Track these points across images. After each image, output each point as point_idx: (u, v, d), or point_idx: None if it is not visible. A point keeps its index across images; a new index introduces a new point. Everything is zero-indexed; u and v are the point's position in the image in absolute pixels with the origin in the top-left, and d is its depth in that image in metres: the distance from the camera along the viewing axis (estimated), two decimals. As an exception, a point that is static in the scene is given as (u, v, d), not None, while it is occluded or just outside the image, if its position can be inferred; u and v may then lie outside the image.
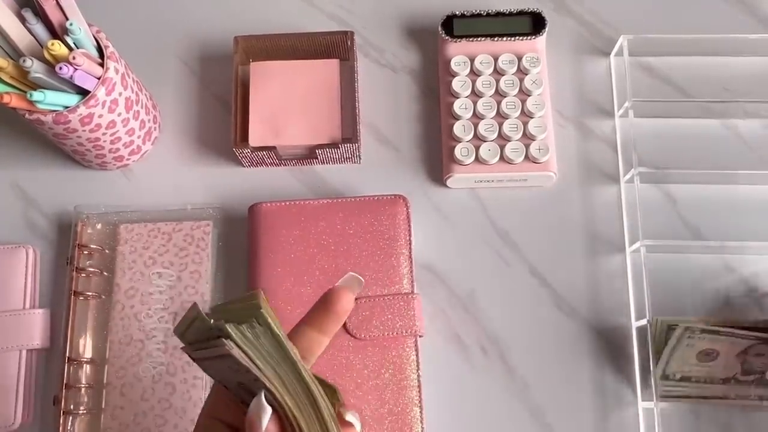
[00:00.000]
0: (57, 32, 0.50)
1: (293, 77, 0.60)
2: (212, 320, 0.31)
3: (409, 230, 0.56)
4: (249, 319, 0.32)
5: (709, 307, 0.56)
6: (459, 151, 0.58)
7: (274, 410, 0.32)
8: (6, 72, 0.49)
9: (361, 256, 0.55)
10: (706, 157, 0.60)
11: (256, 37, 0.61)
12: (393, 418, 0.52)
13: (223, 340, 0.31)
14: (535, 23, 0.61)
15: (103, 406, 0.54)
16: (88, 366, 0.55)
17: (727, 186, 0.59)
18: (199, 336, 0.33)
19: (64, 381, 0.53)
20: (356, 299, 0.53)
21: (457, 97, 0.60)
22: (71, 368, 0.54)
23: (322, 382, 0.34)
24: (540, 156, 0.57)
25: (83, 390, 0.54)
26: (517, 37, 0.60)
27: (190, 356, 0.34)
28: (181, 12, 0.66)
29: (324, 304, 0.36)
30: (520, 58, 0.60)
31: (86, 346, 0.55)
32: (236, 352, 0.31)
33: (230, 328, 0.31)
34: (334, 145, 0.58)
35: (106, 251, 0.58)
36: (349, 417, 0.35)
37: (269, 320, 0.32)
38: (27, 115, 0.50)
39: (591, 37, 0.64)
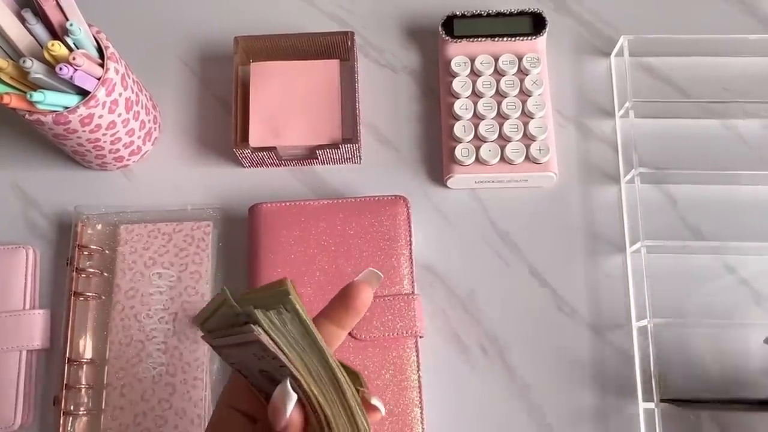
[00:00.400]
0: (57, 33, 0.50)
1: (293, 77, 0.60)
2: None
3: (410, 231, 0.56)
4: (276, 306, 0.32)
5: (708, 309, 0.56)
6: (459, 151, 0.58)
7: (298, 397, 0.33)
8: (6, 72, 0.49)
9: (361, 257, 0.55)
10: (706, 157, 0.60)
11: (256, 37, 0.61)
12: (394, 419, 0.52)
13: (252, 325, 0.31)
14: (536, 23, 0.61)
15: (103, 407, 0.54)
16: (88, 366, 0.55)
17: (727, 186, 0.59)
18: (224, 323, 0.33)
19: (64, 381, 0.53)
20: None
21: (458, 98, 0.60)
22: (71, 369, 0.54)
23: (346, 368, 0.34)
24: (540, 156, 0.57)
25: (83, 390, 0.54)
26: (517, 38, 0.60)
27: (210, 344, 0.35)
28: (181, 12, 0.66)
29: (343, 298, 0.36)
30: (520, 59, 0.60)
31: (86, 347, 0.55)
32: (264, 338, 0.31)
33: (259, 314, 0.31)
34: (334, 145, 0.58)
35: (106, 252, 0.58)
36: (374, 401, 0.35)
37: (297, 306, 0.32)
38: (27, 116, 0.50)
39: (591, 37, 0.64)
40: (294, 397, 0.32)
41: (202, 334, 0.35)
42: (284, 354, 0.32)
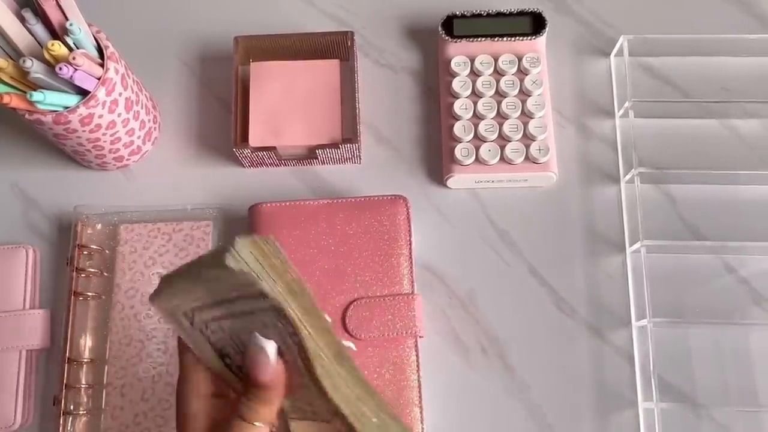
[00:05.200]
0: (57, 32, 0.50)
1: (293, 77, 0.60)
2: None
3: (409, 230, 0.56)
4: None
5: (708, 309, 0.56)
6: (459, 151, 0.58)
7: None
8: (6, 72, 0.49)
9: (361, 257, 0.55)
10: (705, 157, 0.60)
11: (256, 37, 0.61)
12: (393, 419, 0.52)
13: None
14: (535, 23, 0.61)
15: (103, 407, 0.54)
16: (88, 366, 0.55)
17: (727, 186, 0.59)
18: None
19: (64, 381, 0.53)
20: (357, 300, 0.53)
21: (458, 98, 0.60)
22: (71, 368, 0.54)
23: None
24: (540, 156, 0.57)
25: (83, 390, 0.54)
26: (517, 38, 0.60)
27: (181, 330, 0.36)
28: (181, 12, 0.66)
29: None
30: (520, 59, 0.60)
31: (86, 347, 0.55)
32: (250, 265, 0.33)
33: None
34: (334, 145, 0.58)
35: (106, 252, 0.58)
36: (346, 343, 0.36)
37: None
38: (27, 116, 0.50)
39: (591, 37, 0.64)
40: (272, 343, 0.33)
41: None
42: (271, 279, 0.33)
